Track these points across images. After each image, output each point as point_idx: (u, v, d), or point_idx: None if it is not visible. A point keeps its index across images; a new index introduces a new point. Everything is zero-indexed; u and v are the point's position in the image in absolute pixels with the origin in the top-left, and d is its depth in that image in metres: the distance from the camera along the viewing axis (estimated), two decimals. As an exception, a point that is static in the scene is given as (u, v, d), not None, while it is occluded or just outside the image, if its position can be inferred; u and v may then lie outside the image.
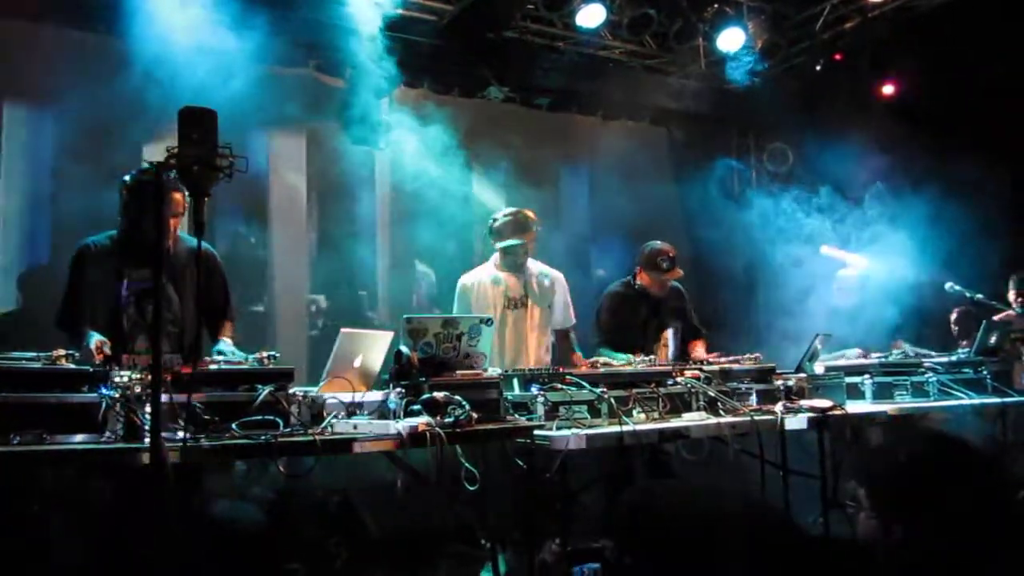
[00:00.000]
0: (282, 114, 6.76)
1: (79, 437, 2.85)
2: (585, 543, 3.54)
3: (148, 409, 2.72)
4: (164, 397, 2.91)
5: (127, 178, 3.99)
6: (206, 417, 2.99)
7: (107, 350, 3.56)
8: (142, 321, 3.98)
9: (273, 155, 7.03)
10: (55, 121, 6.09)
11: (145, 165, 2.57)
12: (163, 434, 2.68)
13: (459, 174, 7.04)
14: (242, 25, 5.93)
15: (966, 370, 5.34)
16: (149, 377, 2.74)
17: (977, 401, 5.12)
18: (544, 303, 5.23)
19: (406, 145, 7.03)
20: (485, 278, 5.16)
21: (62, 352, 3.01)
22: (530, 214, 5.15)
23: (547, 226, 5.55)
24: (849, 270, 6.77)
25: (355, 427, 3.29)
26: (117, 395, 2.88)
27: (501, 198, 7.12)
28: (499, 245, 5.11)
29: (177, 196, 3.97)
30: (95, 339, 3.69)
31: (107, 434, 2.86)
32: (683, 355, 5.48)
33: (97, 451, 2.81)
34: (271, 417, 3.10)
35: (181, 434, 2.78)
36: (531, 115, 8.16)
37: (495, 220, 5.15)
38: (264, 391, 3.14)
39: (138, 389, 2.93)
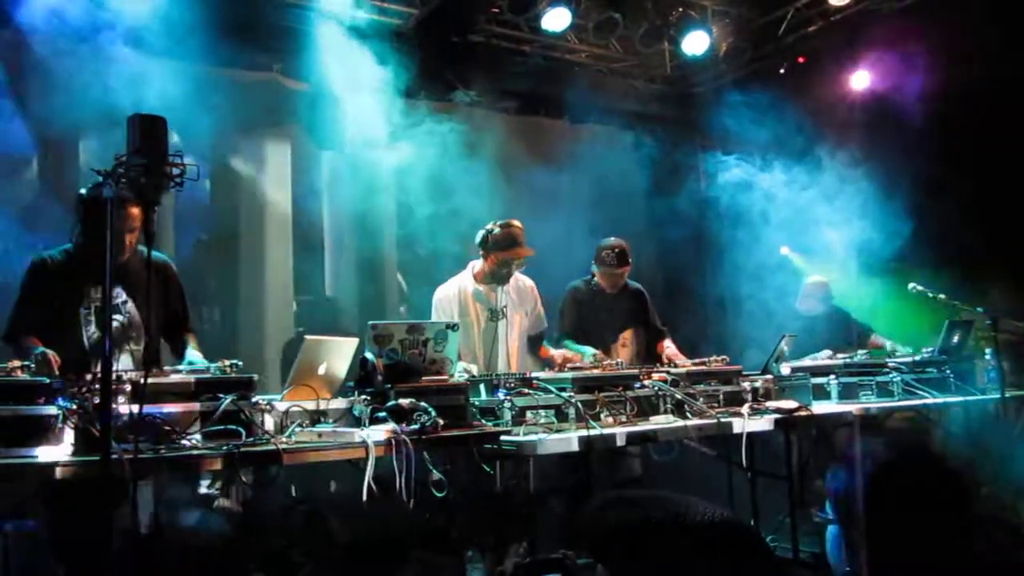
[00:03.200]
0: (246, 118, 6.70)
1: (37, 450, 2.79)
2: (552, 549, 3.53)
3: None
4: (124, 409, 2.87)
5: (83, 191, 3.88)
6: (166, 428, 2.93)
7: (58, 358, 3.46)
8: (101, 335, 3.90)
9: (237, 159, 6.95)
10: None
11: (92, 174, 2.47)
12: (122, 446, 2.63)
13: (424, 178, 7.02)
14: (205, 29, 5.88)
15: (930, 370, 5.40)
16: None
17: (940, 400, 5.18)
18: (522, 311, 5.22)
19: (370, 149, 7.00)
20: (466, 289, 5.10)
21: (17, 364, 2.95)
22: (521, 226, 5.09)
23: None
24: (816, 277, 6.80)
25: (319, 435, 3.26)
26: (74, 407, 2.82)
27: (467, 202, 7.08)
28: (497, 257, 4.99)
29: (134, 210, 3.85)
30: (39, 351, 3.56)
31: (64, 446, 2.80)
32: (649, 357, 5.49)
33: (53, 464, 2.75)
34: (233, 427, 3.05)
35: (143, 445, 2.73)
36: (498, 119, 8.15)
37: (490, 231, 5.00)
38: (226, 400, 3.09)
39: (96, 400, 2.87)
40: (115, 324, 3.92)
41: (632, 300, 5.70)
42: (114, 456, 2.54)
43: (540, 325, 5.34)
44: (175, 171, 2.49)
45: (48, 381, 2.96)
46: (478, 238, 5.06)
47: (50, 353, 3.45)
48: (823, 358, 5.59)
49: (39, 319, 3.86)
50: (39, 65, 5.68)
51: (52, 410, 2.86)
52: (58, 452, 2.80)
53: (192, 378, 3.20)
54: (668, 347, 5.53)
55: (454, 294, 5.07)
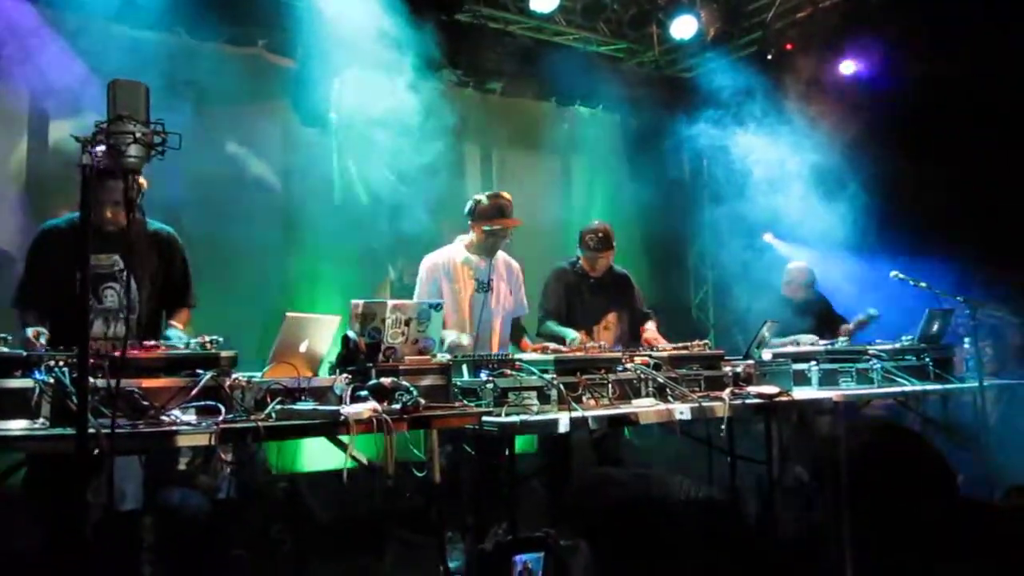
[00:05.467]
0: (232, 93, 6.63)
1: (14, 424, 2.76)
2: (533, 529, 3.54)
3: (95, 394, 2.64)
4: (102, 383, 2.84)
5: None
6: (144, 403, 2.91)
7: (43, 340, 3.44)
8: (98, 305, 3.87)
9: (223, 135, 6.88)
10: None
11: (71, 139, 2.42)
12: (99, 420, 2.61)
13: (410, 157, 6.97)
14: (192, 3, 5.82)
15: (909, 357, 5.44)
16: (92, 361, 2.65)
17: (919, 388, 5.22)
18: (508, 288, 5.21)
19: (356, 126, 6.95)
20: (456, 258, 5.08)
21: (-7, 335, 2.91)
22: (509, 198, 5.08)
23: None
24: (799, 263, 6.80)
25: (300, 413, 3.24)
26: (51, 380, 2.79)
27: (451, 181, 7.07)
28: (484, 227, 4.98)
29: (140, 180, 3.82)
30: (30, 331, 3.57)
31: (40, 420, 2.77)
32: (633, 341, 5.50)
33: (27, 438, 2.72)
34: (213, 403, 3.03)
35: (117, 421, 2.70)
36: (484, 99, 8.11)
37: (479, 202, 5.01)
38: (206, 376, 3.07)
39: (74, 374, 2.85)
40: (110, 292, 3.92)
41: (616, 283, 5.70)
42: (91, 431, 2.51)
43: (521, 309, 5.33)
44: (156, 140, 2.44)
45: (25, 354, 2.92)
46: (466, 208, 5.07)
47: (36, 330, 3.46)
48: (808, 343, 5.62)
49: (45, 287, 3.84)
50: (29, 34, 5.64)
51: (28, 383, 2.83)
52: (34, 426, 2.77)
53: (171, 353, 3.17)
54: (648, 330, 5.53)
55: (442, 262, 5.05)
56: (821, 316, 6.50)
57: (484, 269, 5.08)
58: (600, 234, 5.47)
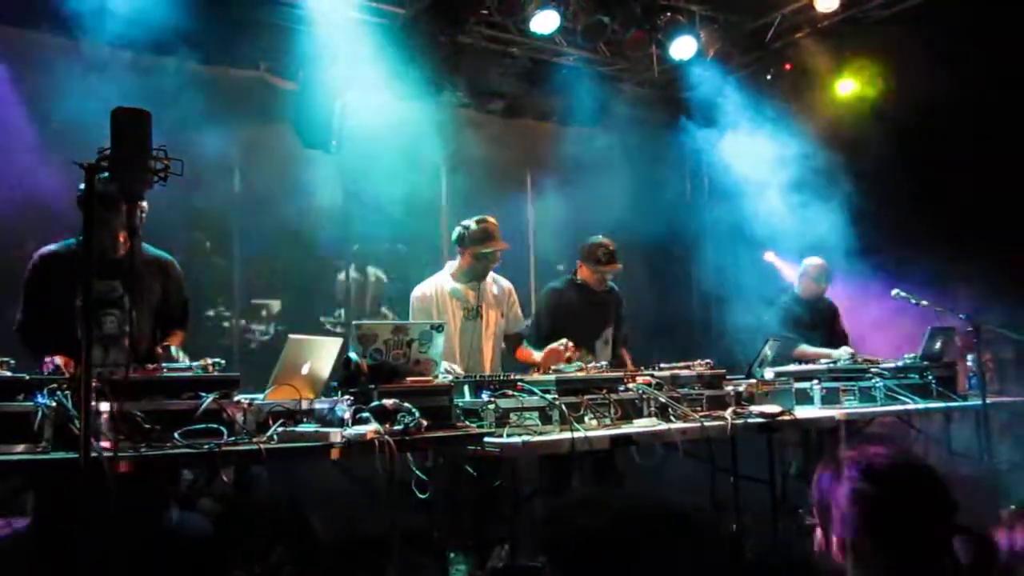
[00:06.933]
0: (234, 116, 6.67)
1: (16, 447, 2.76)
2: (535, 552, 3.53)
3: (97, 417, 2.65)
4: (104, 406, 2.85)
5: (82, 186, 3.86)
6: (147, 426, 2.91)
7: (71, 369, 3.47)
8: (98, 331, 3.88)
9: (224, 158, 6.91)
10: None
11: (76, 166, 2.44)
12: (101, 444, 2.62)
13: (411, 178, 7.01)
14: (193, 26, 5.86)
15: (912, 375, 5.43)
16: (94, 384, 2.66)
17: (922, 406, 5.21)
18: (498, 311, 5.23)
19: (358, 148, 6.98)
20: (443, 288, 5.12)
21: (-4, 360, 2.92)
22: (495, 222, 5.13)
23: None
24: (816, 259, 6.72)
25: (302, 436, 3.24)
26: (53, 404, 2.80)
27: (454, 203, 7.09)
28: (474, 251, 5.02)
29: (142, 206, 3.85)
30: (59, 359, 3.60)
31: (43, 444, 2.78)
32: (613, 358, 5.52)
33: (30, 462, 2.73)
34: (215, 426, 3.04)
35: (122, 443, 2.71)
36: (485, 120, 8.15)
37: (467, 227, 5.05)
38: (208, 399, 3.08)
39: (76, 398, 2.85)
40: (111, 319, 3.94)
41: (613, 299, 5.71)
42: (93, 455, 2.52)
43: (518, 324, 5.34)
44: (158, 166, 2.46)
45: (27, 377, 2.93)
46: (454, 235, 5.12)
47: (65, 359, 3.50)
48: (812, 357, 5.65)
49: (47, 313, 3.88)
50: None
51: (30, 407, 2.84)
52: (36, 450, 2.78)
53: (173, 376, 3.18)
54: (625, 356, 5.60)
55: (431, 293, 5.09)
56: (827, 322, 6.50)
57: (473, 297, 5.12)
58: (610, 248, 5.48)
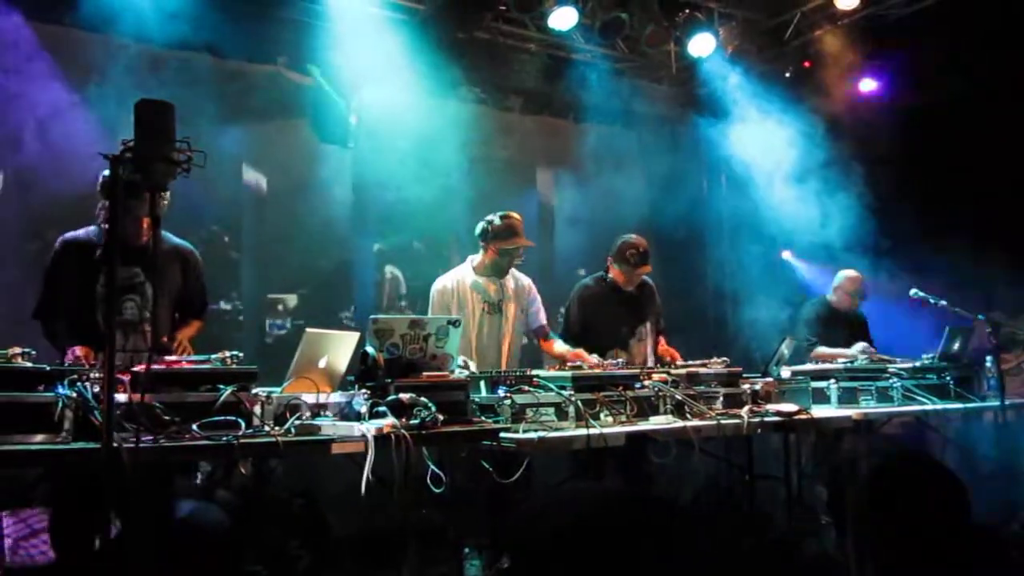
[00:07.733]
0: (250, 111, 6.69)
1: (37, 438, 2.78)
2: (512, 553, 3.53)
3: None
4: (123, 397, 2.86)
5: (106, 173, 3.89)
6: (166, 418, 2.92)
7: (91, 360, 3.50)
8: (117, 316, 3.91)
9: (240, 152, 6.93)
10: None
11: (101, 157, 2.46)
12: (121, 435, 2.63)
13: (428, 174, 7.01)
14: (210, 20, 5.88)
15: (930, 376, 5.39)
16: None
17: (940, 407, 5.17)
18: (520, 308, 5.22)
19: (375, 144, 6.99)
20: (465, 281, 5.11)
21: (18, 351, 2.93)
22: (520, 218, 5.12)
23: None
24: (853, 272, 6.69)
25: (319, 429, 3.25)
26: (74, 394, 2.82)
27: (471, 199, 7.08)
28: (498, 247, 5.03)
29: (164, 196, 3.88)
30: (79, 350, 3.66)
31: (63, 434, 2.79)
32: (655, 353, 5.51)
33: (51, 452, 2.74)
34: (233, 418, 3.05)
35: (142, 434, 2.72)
36: (502, 117, 8.15)
37: (491, 222, 5.05)
38: (226, 391, 3.09)
39: (96, 388, 2.87)
40: (130, 305, 3.98)
41: (647, 294, 5.68)
42: (114, 445, 2.53)
43: (539, 320, 5.33)
44: (182, 157, 2.48)
45: (48, 368, 2.95)
46: (478, 230, 5.11)
47: (85, 349, 3.56)
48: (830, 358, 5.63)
49: (64, 299, 3.92)
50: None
51: (51, 397, 2.85)
52: (57, 440, 2.79)
53: (192, 368, 3.19)
54: (661, 344, 5.57)
55: (452, 286, 5.09)
56: (855, 335, 6.47)
57: (494, 291, 5.11)
58: (640, 249, 5.44)
